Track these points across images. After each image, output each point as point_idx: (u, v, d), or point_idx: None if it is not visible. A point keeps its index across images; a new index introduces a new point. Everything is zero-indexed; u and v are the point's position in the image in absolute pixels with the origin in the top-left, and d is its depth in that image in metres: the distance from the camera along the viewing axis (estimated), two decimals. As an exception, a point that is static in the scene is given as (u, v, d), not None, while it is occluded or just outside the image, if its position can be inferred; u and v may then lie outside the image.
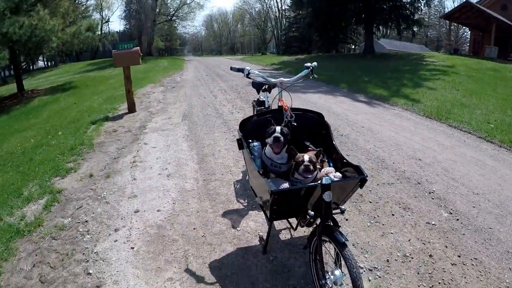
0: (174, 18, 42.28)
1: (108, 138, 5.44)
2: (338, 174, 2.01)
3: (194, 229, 2.70)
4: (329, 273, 1.72)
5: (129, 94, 7.19)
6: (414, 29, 21.40)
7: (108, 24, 38.90)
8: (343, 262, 1.59)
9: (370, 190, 3.26)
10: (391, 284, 2.09)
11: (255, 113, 3.41)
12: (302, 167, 1.84)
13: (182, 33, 53.69)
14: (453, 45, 28.36)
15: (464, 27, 34.04)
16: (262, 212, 2.69)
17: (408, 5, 18.99)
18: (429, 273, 2.17)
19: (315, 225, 1.86)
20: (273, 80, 2.43)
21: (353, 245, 2.43)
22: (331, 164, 2.20)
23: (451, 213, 2.84)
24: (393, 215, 2.83)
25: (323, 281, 1.74)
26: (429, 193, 3.20)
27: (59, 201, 3.40)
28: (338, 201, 1.91)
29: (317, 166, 2.00)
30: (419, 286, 2.07)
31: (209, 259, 2.33)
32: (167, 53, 47.42)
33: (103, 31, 34.42)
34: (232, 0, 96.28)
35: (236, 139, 2.22)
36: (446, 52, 23.03)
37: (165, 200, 3.20)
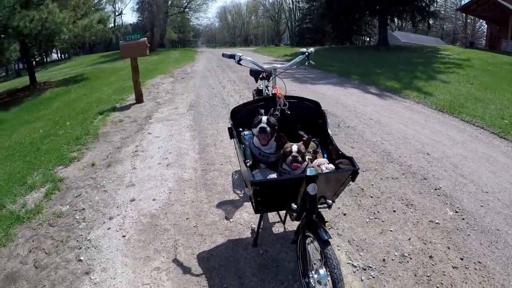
0: (187, 9, 42.19)
1: (113, 128, 5.48)
2: (331, 166, 1.91)
3: (187, 219, 2.66)
4: (313, 272, 1.63)
5: (137, 85, 7.22)
6: (430, 22, 20.60)
7: (121, 17, 39.21)
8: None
9: (372, 184, 3.14)
10: (384, 286, 1.97)
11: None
12: (289, 157, 1.74)
13: (196, 25, 53.70)
14: (469, 38, 27.29)
15: (480, 20, 32.64)
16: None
17: (423, -3, 18.31)
18: (428, 276, 2.03)
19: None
20: (265, 66, 2.33)
21: (349, 242, 2.34)
22: (325, 156, 2.10)
23: (456, 212, 2.67)
24: (394, 211, 2.70)
25: (307, 279, 1.66)
26: (435, 189, 3.04)
27: (59, 189, 3.44)
28: (329, 195, 1.81)
29: (309, 157, 1.91)
30: (415, 289, 1.94)
31: (198, 250, 2.29)
32: (180, 45, 47.52)
33: (116, 24, 34.75)
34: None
35: (227, 128, 2.15)
36: (461, 45, 22.19)
37: (161, 190, 3.18)
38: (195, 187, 3.20)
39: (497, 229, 2.45)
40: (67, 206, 3.06)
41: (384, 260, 2.16)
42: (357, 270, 2.09)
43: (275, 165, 1.95)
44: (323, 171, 1.82)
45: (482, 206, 2.76)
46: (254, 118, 2.00)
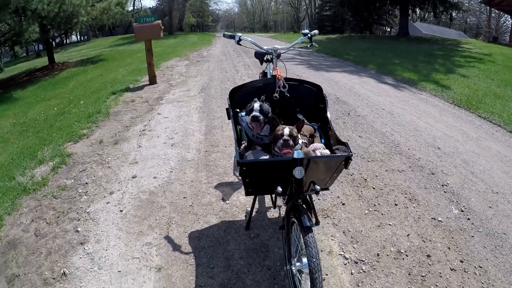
0: (205, -6, 41.76)
1: (124, 108, 5.55)
2: (327, 151, 1.86)
3: (184, 198, 2.68)
4: (295, 259, 1.57)
5: (150, 67, 7.26)
6: (452, 13, 19.56)
7: (140, 0, 39.24)
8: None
9: (376, 176, 3.05)
10: (375, 282, 1.88)
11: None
12: (280, 141, 1.68)
13: (215, 10, 53.20)
14: (492, 33, 25.74)
15: (505, 15, 30.68)
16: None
17: (446, -13, 17.34)
18: (422, 276, 1.92)
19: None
20: (265, 47, 2.27)
21: (343, 232, 2.28)
22: (323, 141, 2.04)
23: (462, 211, 2.53)
24: (396, 205, 2.60)
25: (289, 267, 1.60)
26: (442, 185, 2.89)
27: (67, 163, 3.53)
28: (321, 181, 1.75)
29: (304, 141, 1.85)
30: (406, 289, 1.85)
31: (190, 229, 2.31)
32: (199, 29, 47.27)
33: (135, 7, 34.83)
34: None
35: (225, 109, 2.11)
36: (484, 40, 21.01)
37: (163, 168, 3.21)
38: (196, 168, 3.21)
39: (504, 233, 2.29)
40: (72, 180, 3.14)
41: (378, 254, 2.08)
42: (348, 262, 2.02)
43: (269, 147, 1.91)
44: (313, 156, 1.76)
45: (490, 207, 2.60)
46: (252, 99, 1.95)
